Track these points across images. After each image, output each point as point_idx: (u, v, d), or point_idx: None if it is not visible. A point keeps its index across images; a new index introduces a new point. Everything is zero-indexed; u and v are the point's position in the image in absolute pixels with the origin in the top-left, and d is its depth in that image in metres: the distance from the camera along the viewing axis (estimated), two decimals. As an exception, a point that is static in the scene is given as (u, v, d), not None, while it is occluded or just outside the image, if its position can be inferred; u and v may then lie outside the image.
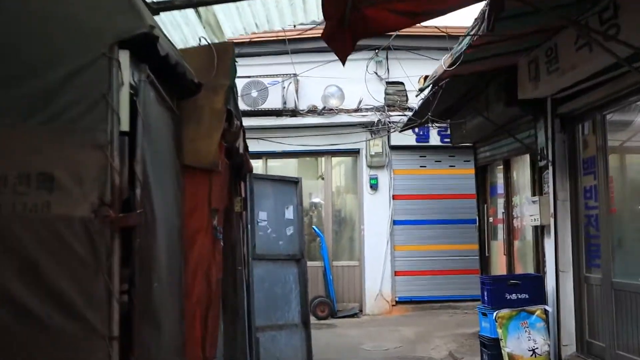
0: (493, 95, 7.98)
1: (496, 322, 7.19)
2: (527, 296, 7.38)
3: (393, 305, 13.08)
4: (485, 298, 7.55)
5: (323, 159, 13.76)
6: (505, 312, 7.22)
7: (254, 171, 7.25)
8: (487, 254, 10.57)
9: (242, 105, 12.60)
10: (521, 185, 9.36)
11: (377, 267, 13.04)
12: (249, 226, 6.46)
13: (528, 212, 8.04)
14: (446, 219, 13.26)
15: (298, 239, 7.33)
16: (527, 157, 8.75)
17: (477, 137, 10.23)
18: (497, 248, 10.26)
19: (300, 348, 7.10)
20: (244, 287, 6.17)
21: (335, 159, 13.86)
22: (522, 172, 9.26)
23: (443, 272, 13.19)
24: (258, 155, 13.36)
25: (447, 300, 13.12)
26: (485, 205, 10.67)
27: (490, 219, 10.54)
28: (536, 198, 7.75)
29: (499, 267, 10.19)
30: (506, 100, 7.68)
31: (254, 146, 13.34)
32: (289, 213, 7.20)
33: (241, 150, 5.08)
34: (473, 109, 8.65)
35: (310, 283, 13.53)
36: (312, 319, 12.48)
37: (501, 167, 9.91)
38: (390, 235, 13.13)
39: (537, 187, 8.12)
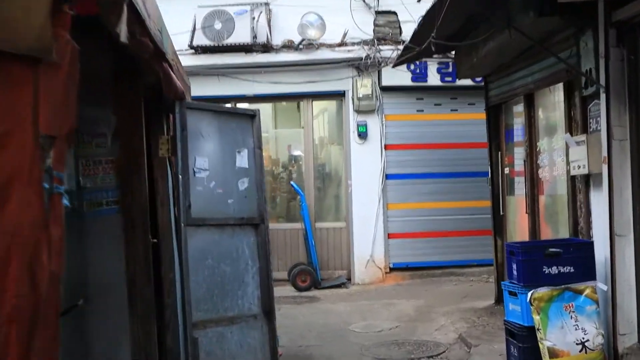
0: (519, 3, 5.93)
1: (531, 305, 5.29)
2: (571, 269, 5.48)
3: (387, 273, 11.21)
4: (515, 272, 5.62)
5: (302, 103, 11.70)
6: (543, 291, 5.33)
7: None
8: (501, 212, 8.64)
9: (204, 40, 10.57)
10: (549, 126, 7.41)
11: (367, 229, 11.13)
12: (180, 178, 4.47)
13: (571, 157, 6.08)
14: (448, 171, 11.34)
15: (256, 195, 5.32)
16: (560, 87, 6.77)
17: (491, 67, 8.22)
18: (516, 205, 8.33)
19: (261, 349, 5.14)
20: (173, 267, 4.21)
21: (317, 104, 11.83)
22: (552, 108, 7.30)
23: (445, 233, 11.31)
24: (224, 99, 11.31)
25: (450, 266, 11.28)
26: (500, 154, 8.71)
27: (506, 170, 8.60)
28: (582, 137, 5.79)
29: (518, 228, 8.28)
30: (539, 7, 5.67)
31: (218, 87, 11.36)
32: (242, 160, 5.19)
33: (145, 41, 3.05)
34: (490, 25, 6.60)
35: (289, 248, 11.68)
36: (292, 291, 10.62)
37: (521, 104, 7.93)
38: (382, 191, 11.19)
39: (577, 125, 6.16)
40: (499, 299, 8.45)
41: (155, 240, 4.13)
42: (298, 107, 12.18)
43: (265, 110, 12.14)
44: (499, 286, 8.61)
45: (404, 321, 8.40)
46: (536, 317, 5.27)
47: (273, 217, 11.84)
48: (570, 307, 5.30)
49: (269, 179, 11.93)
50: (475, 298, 9.36)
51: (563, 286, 5.33)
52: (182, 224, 4.51)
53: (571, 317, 5.27)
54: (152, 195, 4.55)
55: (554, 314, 5.27)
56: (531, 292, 5.29)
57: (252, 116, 5.41)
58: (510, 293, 5.68)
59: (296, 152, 11.89)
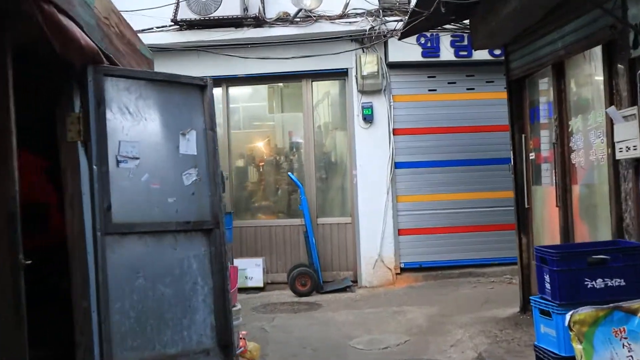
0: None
1: (571, 330, 4.02)
2: (622, 282, 4.23)
3: (397, 274, 9.96)
4: (548, 286, 4.36)
5: (302, 84, 10.44)
6: (586, 312, 4.05)
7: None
8: (526, 205, 7.35)
9: (189, 14, 9.37)
10: (583, 101, 6.11)
11: (374, 225, 9.89)
12: (96, 170, 3.26)
13: (616, 136, 4.78)
14: (465, 158, 10.06)
15: (208, 192, 4.09)
16: (598, 51, 5.47)
17: (512, 33, 6.93)
18: (544, 197, 7.04)
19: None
20: (88, 292, 3.02)
21: (317, 84, 10.56)
22: (587, 79, 6.00)
23: (462, 229, 10.04)
24: (215, 82, 10.07)
25: (468, 265, 10.01)
26: (524, 137, 7.42)
27: (532, 155, 7.30)
28: (632, 110, 4.50)
29: (546, 225, 7.00)
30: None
31: (204, 67, 10.14)
32: (189, 144, 3.96)
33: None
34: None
35: (288, 247, 10.46)
36: (290, 296, 9.42)
37: (549, 76, 6.63)
38: (391, 182, 9.93)
39: (621, 98, 4.87)
40: (525, 307, 7.22)
41: (29, 262, 2.92)
42: (298, 87, 10.91)
43: (259, 93, 10.95)
44: (524, 291, 7.37)
45: (415, 334, 7.17)
46: (577, 347, 4.01)
47: (272, 212, 10.67)
48: (621, 333, 4.03)
49: (267, 169, 10.75)
50: (497, 304, 8.10)
51: (612, 305, 4.06)
52: (98, 233, 3.29)
53: (623, 346, 4.00)
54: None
55: (601, 341, 4.00)
56: (570, 313, 4.03)
57: (202, 87, 4.18)
58: (543, 312, 4.42)
59: (298, 139, 10.64)
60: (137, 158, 3.64)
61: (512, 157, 7.55)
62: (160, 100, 3.88)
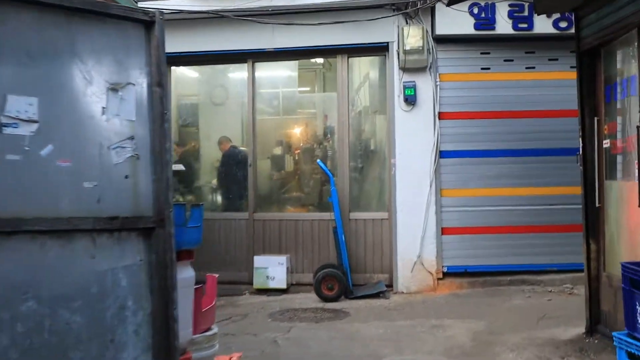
0: None
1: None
2: None
3: (439, 279, 8.67)
4: (640, 320, 3.06)
5: (336, 60, 9.20)
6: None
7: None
8: (597, 204, 5.99)
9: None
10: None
11: (415, 222, 8.62)
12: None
13: None
14: (522, 148, 8.73)
15: (151, 174, 2.91)
16: None
17: (587, -11, 5.57)
18: (621, 194, 5.69)
19: None
20: None
21: (353, 61, 9.31)
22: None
23: (515, 229, 8.71)
24: (236, 55, 9.00)
25: (521, 271, 8.69)
26: (596, 120, 6.05)
27: (606, 143, 5.94)
28: None
29: (624, 228, 5.65)
30: None
31: (227, 40, 9.01)
32: (123, 105, 2.80)
33: None
34: None
35: (316, 244, 9.22)
36: (315, 301, 8.25)
37: (634, 43, 5.27)
38: (435, 173, 8.64)
39: None
40: (593, 329, 5.92)
41: None
42: (330, 64, 9.69)
43: (289, 70, 9.75)
44: (591, 309, 6.05)
45: (455, 357, 5.89)
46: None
47: (301, 205, 9.50)
48: None
49: (297, 156, 9.57)
50: (556, 321, 6.78)
51: None
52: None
53: None
54: None
55: None
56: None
57: (148, 24, 2.98)
58: (633, 357, 3.11)
59: (333, 124, 9.41)
60: (36, 121, 2.51)
61: (580, 145, 6.19)
62: (78, 41, 2.73)
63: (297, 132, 9.79)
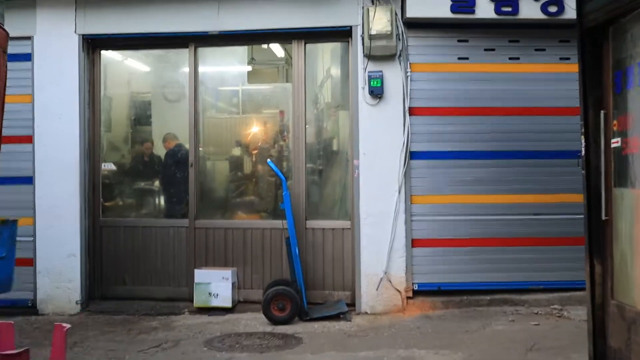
0: None
1: None
2: None
3: (409, 298, 7.55)
4: None
5: (292, 46, 8.02)
6: None
7: None
8: (604, 216, 4.88)
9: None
10: None
11: (381, 232, 7.49)
12: None
13: None
14: (505, 150, 7.71)
15: None
16: None
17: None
18: (636, 204, 4.58)
19: None
20: None
21: (311, 48, 8.13)
22: None
23: (496, 241, 7.67)
24: (180, 40, 7.80)
25: (503, 289, 7.64)
26: (603, 114, 4.95)
27: (615, 142, 4.84)
28: None
29: (638, 246, 4.53)
30: None
31: (164, 21, 7.65)
32: None
33: None
34: None
35: (268, 256, 7.87)
36: (264, 323, 7.02)
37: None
38: (405, 177, 7.52)
39: None
40: (597, 368, 4.78)
41: None
42: (286, 52, 8.50)
43: (237, 55, 8.54)
44: (595, 342, 4.98)
45: (429, 403, 4.75)
46: None
47: (251, 211, 8.30)
48: None
49: (248, 156, 8.40)
50: (549, 354, 5.75)
51: None
52: None
53: None
54: None
55: None
56: None
57: None
58: None
59: (289, 120, 8.23)
60: None
61: (583, 144, 5.08)
62: None
63: (249, 129, 8.59)
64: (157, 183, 8.60)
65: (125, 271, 8.17)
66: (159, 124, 8.83)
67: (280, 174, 7.30)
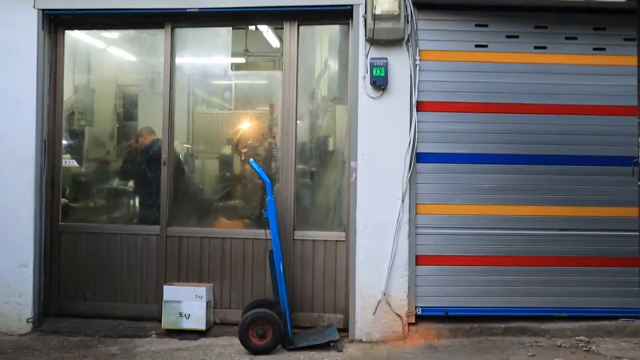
0: None
1: None
2: None
3: (411, 325, 6.46)
4: None
5: (283, 30, 6.94)
6: None
7: None
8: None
9: None
10: None
11: (380, 246, 6.41)
12: None
13: None
14: (530, 153, 6.62)
15: None
16: None
17: None
18: None
19: None
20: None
21: (306, 31, 7.03)
22: None
23: (514, 260, 6.59)
24: (154, 19, 6.74)
25: (521, 316, 6.56)
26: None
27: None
28: None
29: None
30: None
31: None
32: None
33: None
34: None
35: (249, 270, 6.73)
36: (241, 352, 5.93)
37: None
38: (410, 182, 6.43)
39: None
40: None
41: None
42: (278, 37, 7.41)
43: (221, 39, 7.46)
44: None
45: None
46: None
47: (233, 218, 7.24)
48: None
49: (229, 156, 7.36)
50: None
51: None
52: None
53: None
54: None
55: None
56: None
57: None
58: None
59: (278, 115, 7.13)
60: None
61: None
62: None
63: (234, 124, 7.53)
64: (130, 184, 7.51)
65: (87, 284, 7.11)
66: (144, 118, 7.65)
67: (264, 175, 6.21)
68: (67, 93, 7.27)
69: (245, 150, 7.29)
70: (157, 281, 6.99)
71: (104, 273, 7.09)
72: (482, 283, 6.47)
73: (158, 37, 7.12)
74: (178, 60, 7.12)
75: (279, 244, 6.16)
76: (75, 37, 7.36)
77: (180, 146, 7.29)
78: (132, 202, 7.43)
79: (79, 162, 7.38)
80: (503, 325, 6.43)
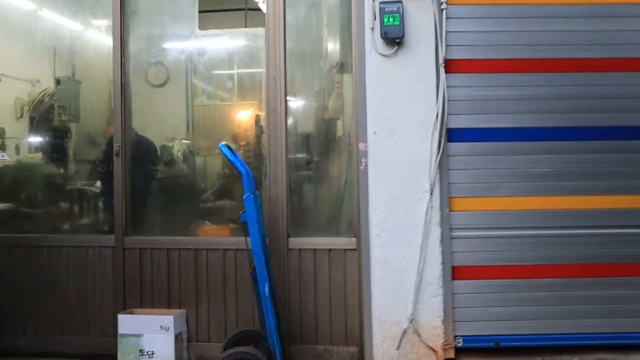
0: None
1: None
2: None
3: (447, 360, 4.78)
4: None
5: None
6: None
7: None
8: None
9: None
10: None
11: (403, 256, 4.74)
12: None
13: None
14: (603, 125, 4.80)
15: None
16: None
17: None
18: None
19: None
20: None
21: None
22: None
23: (587, 268, 4.82)
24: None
25: (597, 345, 4.82)
26: None
27: None
28: None
29: None
30: None
31: None
32: None
33: None
34: None
35: (233, 290, 5.07)
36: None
37: None
38: (440, 169, 4.74)
39: None
40: None
41: None
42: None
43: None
44: None
45: None
46: None
47: (210, 223, 5.63)
48: None
49: (204, 142, 5.72)
50: None
51: None
52: None
53: None
54: None
55: None
56: None
57: None
58: None
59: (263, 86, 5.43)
60: None
61: None
62: None
63: (204, 98, 5.87)
64: (81, 183, 5.90)
65: (26, 315, 5.52)
66: (140, 114, 5.95)
67: (238, 164, 4.55)
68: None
69: (241, 142, 5.67)
70: (115, 307, 5.41)
71: (47, 298, 5.52)
72: (544, 301, 4.78)
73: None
74: (131, 21, 5.47)
75: (264, 258, 4.51)
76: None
77: (142, 129, 5.65)
78: (83, 206, 5.81)
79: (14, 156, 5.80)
80: (576, 359, 4.74)
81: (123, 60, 5.41)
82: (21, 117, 5.94)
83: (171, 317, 5.04)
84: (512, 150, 4.84)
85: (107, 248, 5.44)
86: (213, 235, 5.42)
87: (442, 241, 4.73)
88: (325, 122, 5.41)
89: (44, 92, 5.92)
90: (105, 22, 5.56)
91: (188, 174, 5.77)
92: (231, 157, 4.46)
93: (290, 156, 5.24)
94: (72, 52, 6.01)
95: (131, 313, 5.20)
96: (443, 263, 4.74)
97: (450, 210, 4.80)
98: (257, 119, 5.49)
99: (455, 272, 4.80)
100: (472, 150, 4.85)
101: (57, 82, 5.82)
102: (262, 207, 4.94)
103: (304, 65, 5.41)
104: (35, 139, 5.99)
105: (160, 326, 5.03)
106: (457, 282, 4.81)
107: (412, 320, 4.72)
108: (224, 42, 5.80)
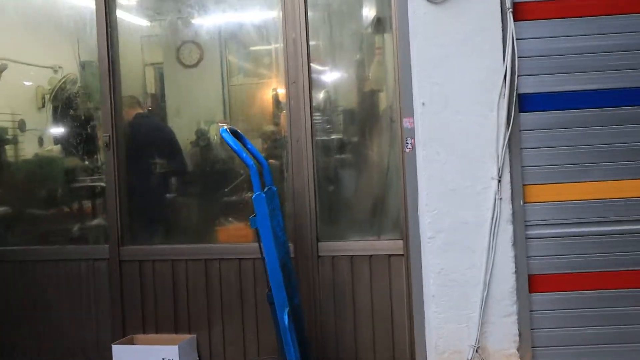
0: None
1: None
2: None
3: (526, 398, 3.64)
4: None
5: None
6: None
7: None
8: None
9: None
10: None
11: (464, 264, 3.61)
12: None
13: None
14: None
15: None
16: None
17: None
18: None
19: None
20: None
21: None
22: None
23: None
24: None
25: None
26: None
27: None
28: None
29: None
30: None
31: None
32: None
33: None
34: None
35: (249, 307, 3.67)
36: None
37: None
38: (510, 148, 3.56)
39: None
40: None
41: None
42: None
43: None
44: None
45: None
46: None
47: (221, 229, 4.56)
48: None
49: (212, 129, 4.71)
50: None
51: None
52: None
53: None
54: None
55: None
56: None
57: None
58: None
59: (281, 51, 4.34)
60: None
61: None
62: None
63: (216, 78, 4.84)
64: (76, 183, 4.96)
65: (10, 340, 4.62)
66: (174, 97, 4.98)
67: (244, 154, 3.48)
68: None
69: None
70: (114, 331, 4.45)
71: (35, 322, 4.61)
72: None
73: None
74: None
75: (282, 276, 3.45)
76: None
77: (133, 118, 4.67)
78: (78, 212, 4.87)
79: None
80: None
81: (109, 30, 4.41)
82: (42, 106, 5.09)
83: (175, 348, 4.07)
84: (605, 119, 3.66)
85: (102, 261, 4.51)
86: (224, 241, 4.40)
87: (515, 243, 3.60)
88: (360, 93, 4.32)
89: (65, 79, 5.04)
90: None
91: (188, 169, 4.75)
92: (232, 143, 3.40)
93: (317, 139, 4.17)
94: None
95: (131, 341, 4.24)
96: (517, 272, 3.61)
97: (524, 203, 3.65)
98: (275, 97, 4.44)
99: (532, 283, 3.66)
100: (550, 121, 3.69)
101: (82, 66, 4.91)
102: (284, 205, 3.90)
103: (329, 22, 4.32)
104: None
105: (163, 358, 4.06)
106: (535, 296, 3.67)
107: (477, 347, 3.62)
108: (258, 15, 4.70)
